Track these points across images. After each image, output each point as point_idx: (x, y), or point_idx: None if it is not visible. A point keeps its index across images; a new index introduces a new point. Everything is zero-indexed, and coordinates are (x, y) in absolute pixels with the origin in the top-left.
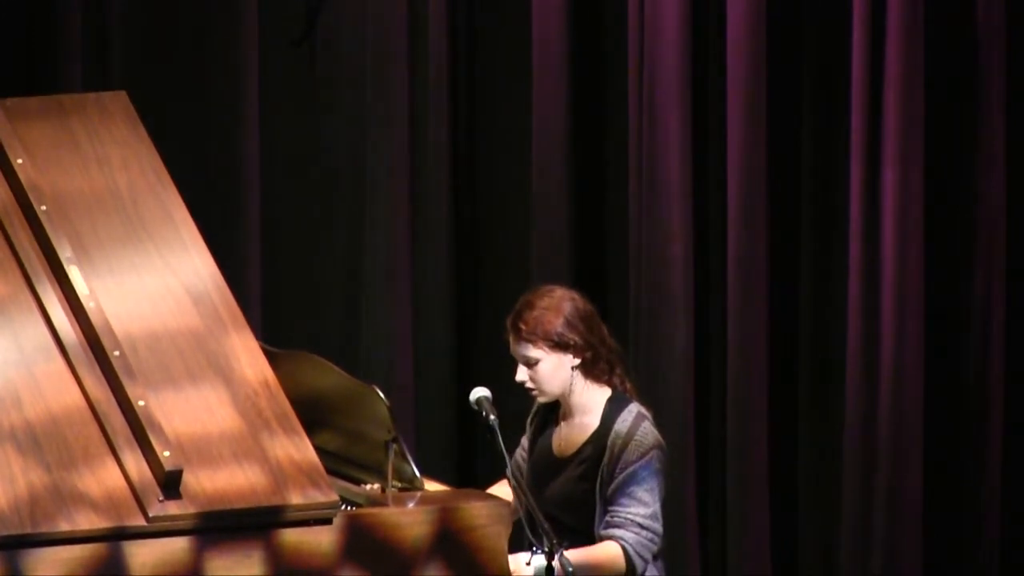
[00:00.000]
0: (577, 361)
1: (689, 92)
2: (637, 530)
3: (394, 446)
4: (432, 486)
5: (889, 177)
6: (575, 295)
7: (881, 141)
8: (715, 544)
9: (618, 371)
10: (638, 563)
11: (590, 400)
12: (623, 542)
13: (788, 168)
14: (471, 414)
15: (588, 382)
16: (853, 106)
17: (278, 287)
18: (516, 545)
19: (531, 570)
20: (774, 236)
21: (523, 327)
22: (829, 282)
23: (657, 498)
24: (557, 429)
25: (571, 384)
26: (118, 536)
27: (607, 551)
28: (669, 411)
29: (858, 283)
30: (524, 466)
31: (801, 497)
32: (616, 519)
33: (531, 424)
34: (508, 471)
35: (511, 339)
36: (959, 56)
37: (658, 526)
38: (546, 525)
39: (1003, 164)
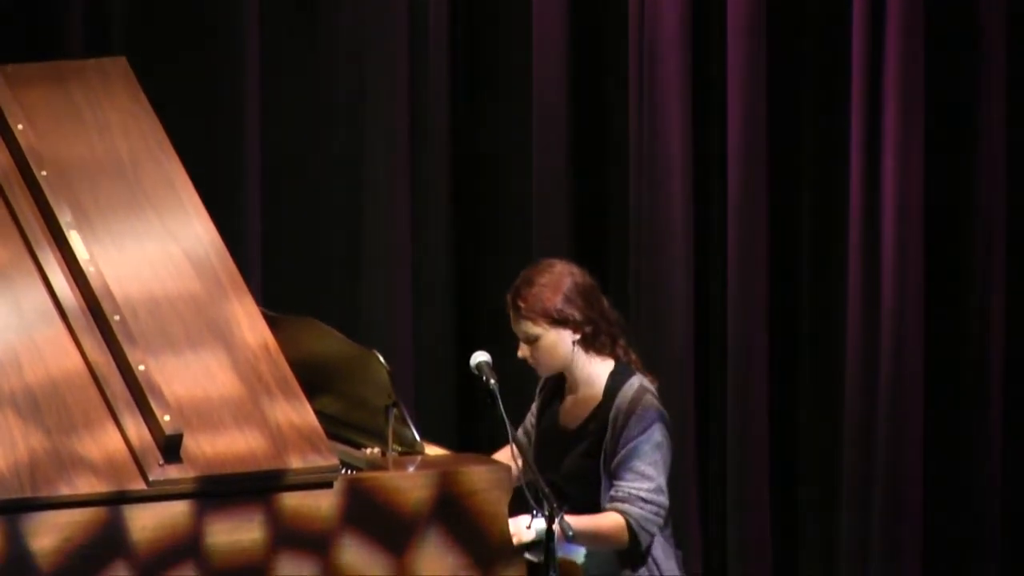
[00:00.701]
0: (577, 336)
1: (689, 73)
2: (642, 504)
3: (394, 410)
4: (432, 450)
5: (889, 164)
6: (574, 269)
7: (881, 122)
8: (715, 507)
9: (621, 343)
10: (643, 537)
11: (593, 373)
12: (628, 516)
13: (788, 137)
14: (471, 379)
15: (590, 355)
16: (853, 91)
17: (278, 260)
18: (518, 511)
19: (532, 533)
20: (774, 217)
21: (522, 304)
22: (829, 270)
23: (661, 471)
24: (563, 402)
25: (573, 359)
26: (118, 500)
27: (612, 521)
28: (670, 392)
29: (858, 267)
30: (532, 432)
31: (800, 473)
32: (620, 493)
33: (540, 394)
34: (511, 439)
35: (511, 316)
36: (958, 40)
37: (663, 499)
38: (547, 489)
39: (1003, 161)
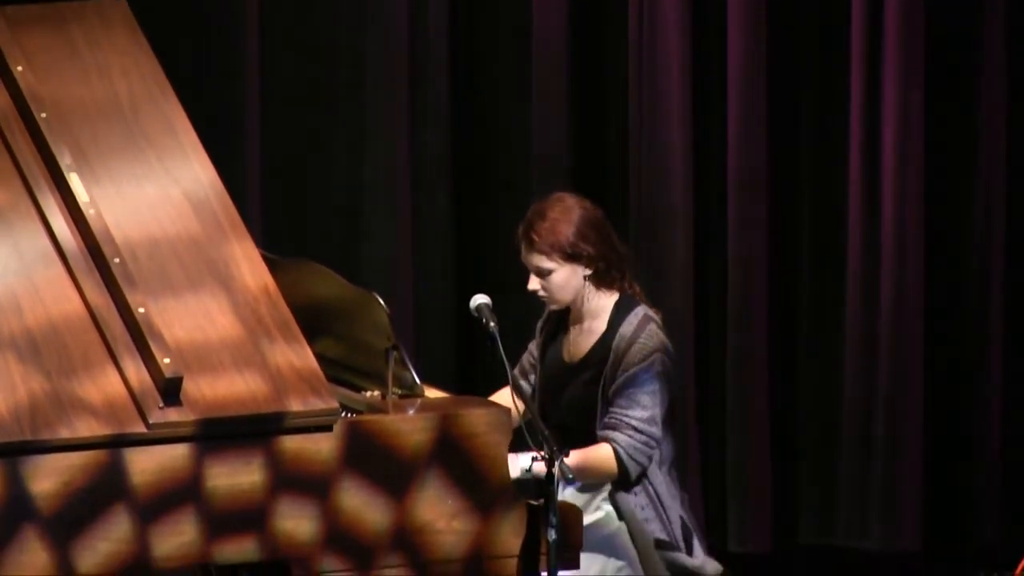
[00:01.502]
0: (589, 271)
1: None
2: (631, 432)
3: (394, 353)
4: (432, 393)
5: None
6: (586, 203)
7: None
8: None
9: (627, 276)
10: (630, 466)
11: (598, 305)
12: (615, 444)
13: (788, 77)
14: (471, 321)
15: (599, 289)
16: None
17: (277, 209)
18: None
19: (515, 471)
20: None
21: (536, 238)
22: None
23: (658, 402)
24: (567, 336)
25: (583, 293)
26: (118, 443)
27: (599, 453)
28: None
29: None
30: (530, 369)
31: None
32: (611, 420)
33: (541, 331)
34: (511, 381)
35: (523, 247)
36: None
37: (655, 430)
38: (546, 432)
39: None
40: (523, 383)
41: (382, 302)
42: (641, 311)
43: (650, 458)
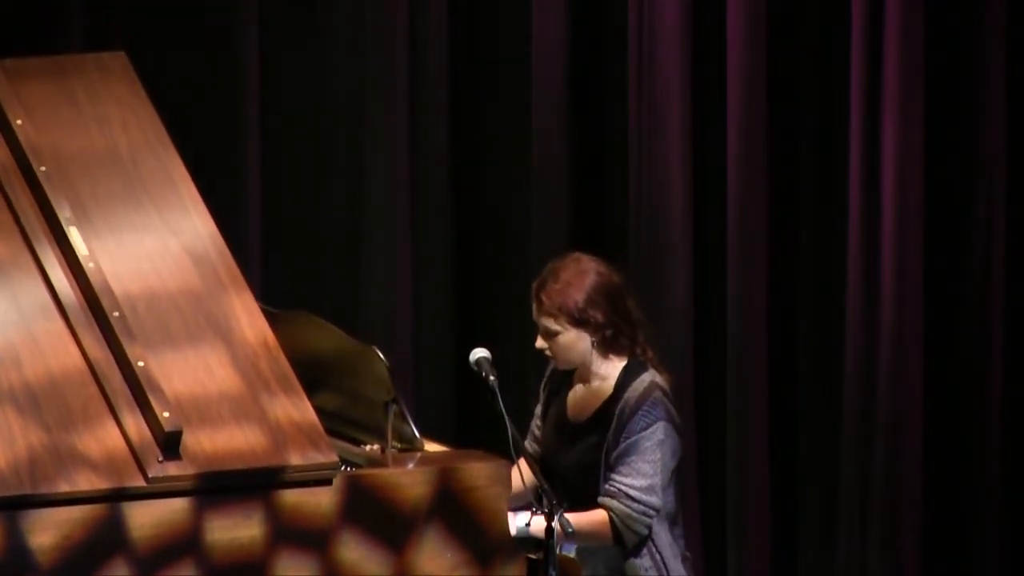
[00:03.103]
0: (596, 338)
1: (689, 73)
2: (628, 502)
3: (394, 407)
4: (432, 447)
5: (889, 164)
6: (602, 268)
7: (881, 122)
8: (715, 507)
9: (640, 340)
10: (626, 534)
11: (606, 369)
12: (612, 512)
13: (788, 122)
14: (471, 375)
15: (607, 355)
16: (853, 91)
17: (278, 251)
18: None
19: (512, 529)
20: (774, 200)
21: (546, 300)
22: (829, 270)
23: (659, 470)
24: (572, 393)
25: (590, 357)
26: (118, 497)
27: (594, 519)
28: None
29: (858, 267)
30: (539, 434)
31: (800, 474)
32: (610, 487)
33: (544, 390)
34: (510, 435)
35: (534, 306)
36: (958, 39)
37: (654, 499)
38: (546, 486)
39: (1004, 160)
40: (534, 444)
41: (382, 355)
42: (648, 377)
43: (647, 527)
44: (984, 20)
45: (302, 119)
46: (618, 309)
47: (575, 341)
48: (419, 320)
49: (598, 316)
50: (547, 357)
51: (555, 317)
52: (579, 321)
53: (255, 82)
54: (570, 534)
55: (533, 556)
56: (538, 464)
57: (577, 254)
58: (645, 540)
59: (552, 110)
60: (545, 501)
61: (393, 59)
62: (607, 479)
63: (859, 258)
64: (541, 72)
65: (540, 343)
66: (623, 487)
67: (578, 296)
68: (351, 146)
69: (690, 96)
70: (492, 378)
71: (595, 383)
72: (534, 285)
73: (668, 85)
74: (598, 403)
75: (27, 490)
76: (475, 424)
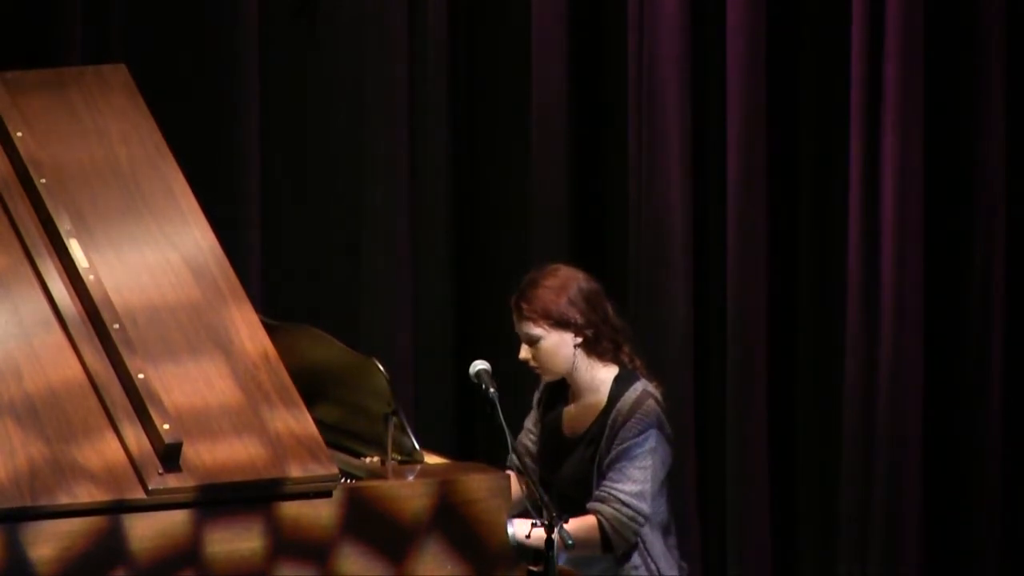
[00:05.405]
0: (579, 340)
1: (689, 74)
2: (618, 506)
3: (394, 419)
4: (432, 459)
5: (889, 165)
6: (580, 274)
7: (881, 122)
8: (714, 510)
9: (625, 349)
10: (614, 539)
11: (596, 379)
12: (601, 516)
13: (787, 139)
14: (471, 387)
15: (592, 360)
16: (853, 91)
17: (277, 263)
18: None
19: (513, 541)
20: (773, 206)
21: (525, 305)
22: (829, 271)
23: (650, 477)
24: (567, 409)
25: (574, 363)
26: (118, 509)
27: (583, 524)
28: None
29: (858, 268)
30: (532, 448)
31: (800, 475)
32: (601, 492)
33: (538, 404)
34: (510, 447)
35: (514, 317)
36: (958, 40)
37: (643, 505)
38: (546, 498)
39: (1003, 161)
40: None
41: (382, 367)
42: (640, 386)
43: (636, 533)
44: (984, 20)
45: (301, 129)
46: (597, 310)
47: (558, 345)
48: (419, 332)
49: (577, 317)
50: (533, 370)
51: (535, 321)
52: (559, 323)
53: (255, 93)
54: (570, 546)
55: (534, 568)
56: (537, 476)
57: (555, 264)
58: (639, 550)
59: (552, 117)
60: (545, 513)
61: (393, 66)
62: (598, 485)
63: (859, 271)
64: (541, 73)
65: (524, 353)
66: (613, 492)
67: (558, 299)
68: (351, 159)
69: (690, 96)
70: (492, 390)
71: (588, 397)
72: (513, 296)
73: (667, 85)
74: (593, 416)
75: (27, 502)
76: (475, 436)
